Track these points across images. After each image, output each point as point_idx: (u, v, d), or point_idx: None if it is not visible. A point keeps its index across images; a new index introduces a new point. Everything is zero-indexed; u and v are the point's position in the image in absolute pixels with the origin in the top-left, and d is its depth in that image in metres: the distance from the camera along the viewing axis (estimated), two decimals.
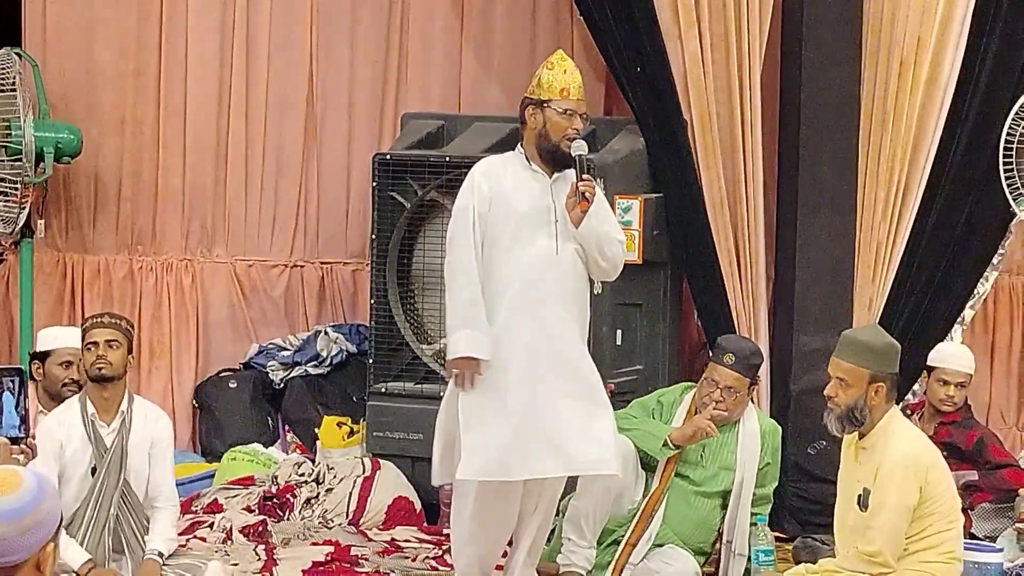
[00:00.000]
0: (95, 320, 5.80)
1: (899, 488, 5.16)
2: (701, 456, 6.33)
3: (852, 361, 5.23)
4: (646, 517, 6.27)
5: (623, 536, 6.27)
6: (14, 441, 3.89)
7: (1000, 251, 7.71)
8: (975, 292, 7.68)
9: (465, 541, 5.86)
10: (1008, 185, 7.33)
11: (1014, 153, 7.31)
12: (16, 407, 3.86)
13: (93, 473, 5.71)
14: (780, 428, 6.55)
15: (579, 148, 5.69)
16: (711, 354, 6.45)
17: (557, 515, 6.39)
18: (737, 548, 6.28)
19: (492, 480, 5.69)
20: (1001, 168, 7.32)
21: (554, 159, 5.74)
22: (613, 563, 6.24)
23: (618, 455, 5.86)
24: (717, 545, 6.44)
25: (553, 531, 6.38)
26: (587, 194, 5.63)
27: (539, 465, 5.69)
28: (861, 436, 5.28)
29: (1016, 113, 7.33)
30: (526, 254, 5.70)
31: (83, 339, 5.75)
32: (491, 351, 5.64)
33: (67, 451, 5.62)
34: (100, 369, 5.73)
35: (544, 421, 5.66)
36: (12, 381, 3.89)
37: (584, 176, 5.65)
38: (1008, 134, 7.33)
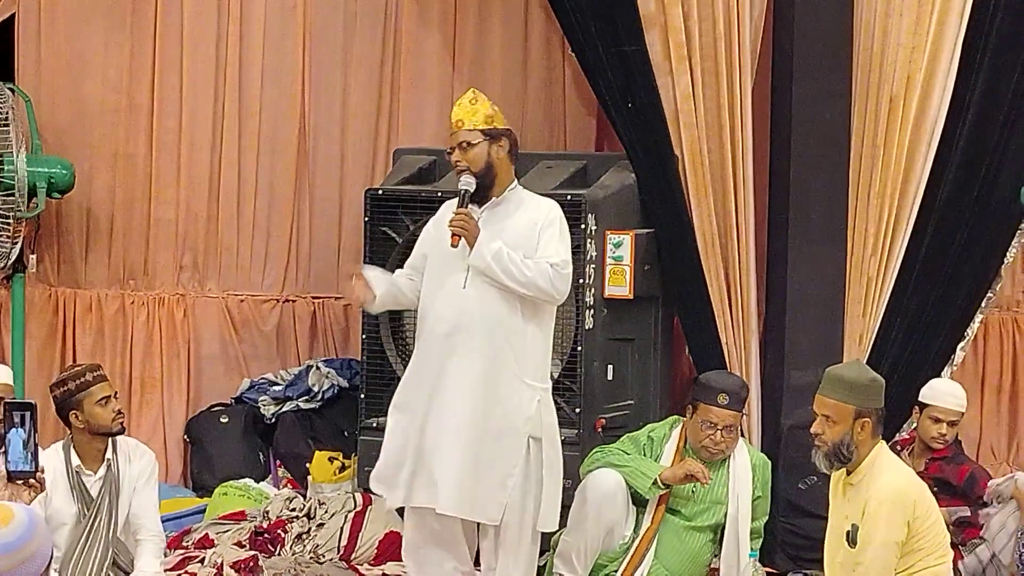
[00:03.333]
0: (96, 375, 5.78)
1: (886, 524, 5.16)
2: (692, 491, 6.33)
3: (836, 398, 5.24)
4: (640, 555, 6.26)
5: (614, 572, 6.26)
6: (21, 476, 3.89)
7: (989, 294, 7.72)
8: (965, 333, 7.68)
9: (411, 570, 6.12)
10: None
11: None
12: (25, 442, 3.86)
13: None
14: (770, 462, 6.55)
15: (464, 184, 5.91)
16: (696, 394, 6.37)
17: (549, 551, 6.39)
18: None
19: (381, 496, 6.14)
20: None
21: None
22: None
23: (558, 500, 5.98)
24: None
25: (545, 567, 6.39)
26: (452, 228, 5.80)
27: (417, 494, 5.92)
28: (848, 472, 5.29)
29: None
30: (442, 289, 5.92)
31: (89, 395, 5.71)
32: (383, 289, 6.03)
33: (53, 500, 5.61)
34: (122, 424, 5.78)
35: (429, 452, 5.87)
36: (21, 416, 3.89)
37: (457, 210, 5.83)
38: None
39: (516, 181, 6.07)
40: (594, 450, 6.44)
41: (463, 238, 5.82)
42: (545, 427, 5.93)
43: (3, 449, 4.01)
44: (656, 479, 6.19)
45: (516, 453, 5.85)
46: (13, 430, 3.94)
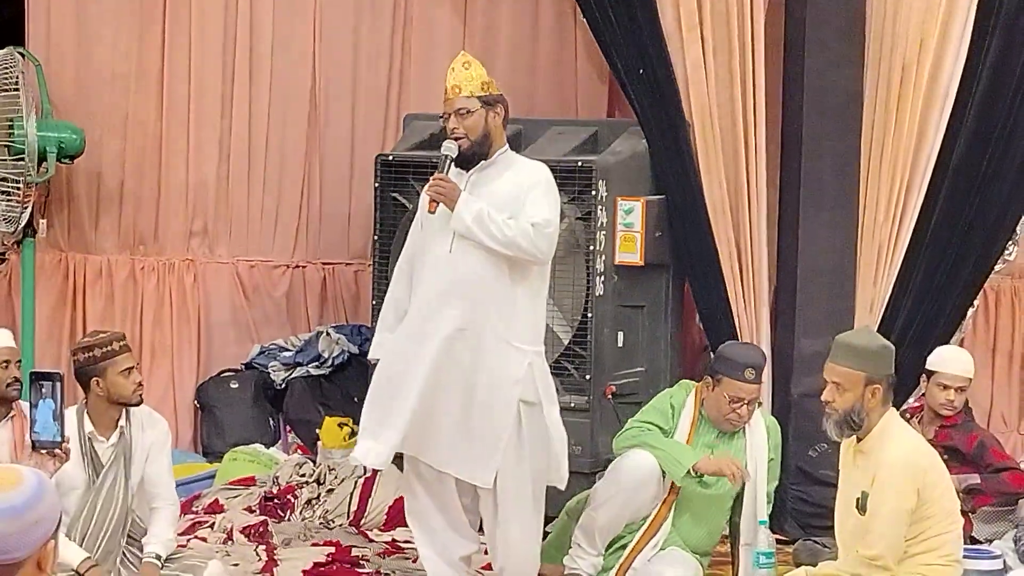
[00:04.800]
0: (122, 344, 5.75)
1: (897, 491, 5.16)
2: (711, 457, 6.29)
3: (847, 365, 5.23)
4: (656, 525, 6.25)
5: (630, 542, 6.25)
6: (48, 446, 3.89)
7: (1001, 262, 7.70)
8: (975, 301, 7.68)
9: (415, 531, 6.14)
10: None
11: None
12: (55, 413, 3.86)
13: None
14: (779, 426, 6.54)
15: (446, 149, 5.90)
16: (719, 368, 6.25)
17: (568, 518, 6.37)
18: (758, 547, 6.22)
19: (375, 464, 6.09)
20: None
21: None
22: (617, 567, 6.23)
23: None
24: (722, 546, 6.44)
25: (552, 530, 6.38)
26: (429, 193, 5.81)
27: (409, 444, 5.91)
28: (859, 440, 5.28)
29: None
30: (430, 255, 5.91)
31: (114, 364, 5.69)
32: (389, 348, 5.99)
33: (65, 467, 5.61)
34: (141, 396, 5.77)
35: (420, 415, 5.84)
36: (51, 386, 3.88)
37: (435, 176, 5.83)
38: None
39: (507, 145, 6.04)
40: (630, 424, 6.33)
41: (442, 203, 5.81)
42: (541, 391, 5.89)
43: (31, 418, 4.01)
44: (690, 469, 6.14)
45: (505, 416, 5.83)
46: (42, 401, 3.93)
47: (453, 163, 5.90)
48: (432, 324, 5.86)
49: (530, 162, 6.04)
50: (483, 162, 5.93)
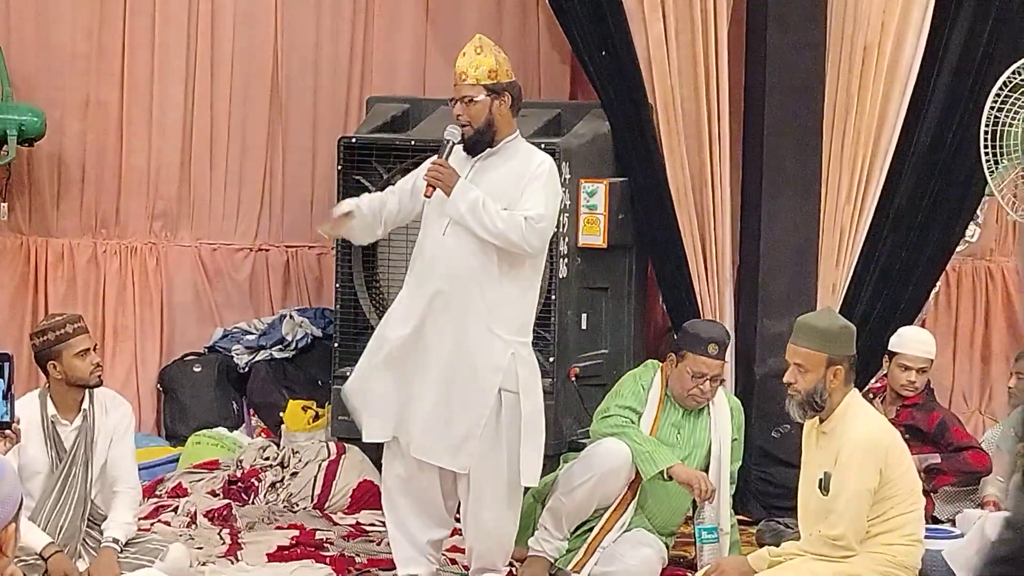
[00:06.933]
0: (76, 327, 5.74)
1: (859, 471, 5.18)
2: (677, 438, 6.30)
3: (808, 346, 5.25)
4: (622, 507, 6.25)
5: (596, 525, 6.25)
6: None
7: (962, 244, 7.73)
8: (937, 283, 7.71)
9: (386, 509, 6.14)
10: (986, 163, 7.14)
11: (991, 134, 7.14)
12: (4, 393, 3.83)
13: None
14: (743, 407, 6.55)
15: (448, 134, 5.90)
16: (681, 344, 6.27)
17: (534, 500, 6.36)
18: (722, 526, 6.24)
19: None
20: (981, 147, 7.12)
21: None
22: (584, 547, 6.23)
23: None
24: (686, 527, 6.45)
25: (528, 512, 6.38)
26: (426, 178, 5.82)
27: (399, 433, 5.98)
28: (821, 420, 5.31)
29: (995, 92, 7.15)
30: (428, 233, 5.95)
31: (69, 347, 5.68)
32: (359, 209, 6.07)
33: (28, 449, 5.59)
34: (100, 377, 5.75)
35: (407, 398, 5.92)
36: (0, 366, 3.86)
37: (434, 160, 5.83)
38: (991, 106, 7.13)
39: (517, 132, 6.02)
40: (611, 410, 6.30)
41: (439, 188, 5.80)
42: (521, 381, 5.87)
43: None
44: (664, 471, 6.14)
45: (483, 403, 5.83)
46: None
47: (460, 147, 5.88)
48: (428, 307, 5.88)
49: (537, 153, 6.02)
50: (488, 149, 5.91)
